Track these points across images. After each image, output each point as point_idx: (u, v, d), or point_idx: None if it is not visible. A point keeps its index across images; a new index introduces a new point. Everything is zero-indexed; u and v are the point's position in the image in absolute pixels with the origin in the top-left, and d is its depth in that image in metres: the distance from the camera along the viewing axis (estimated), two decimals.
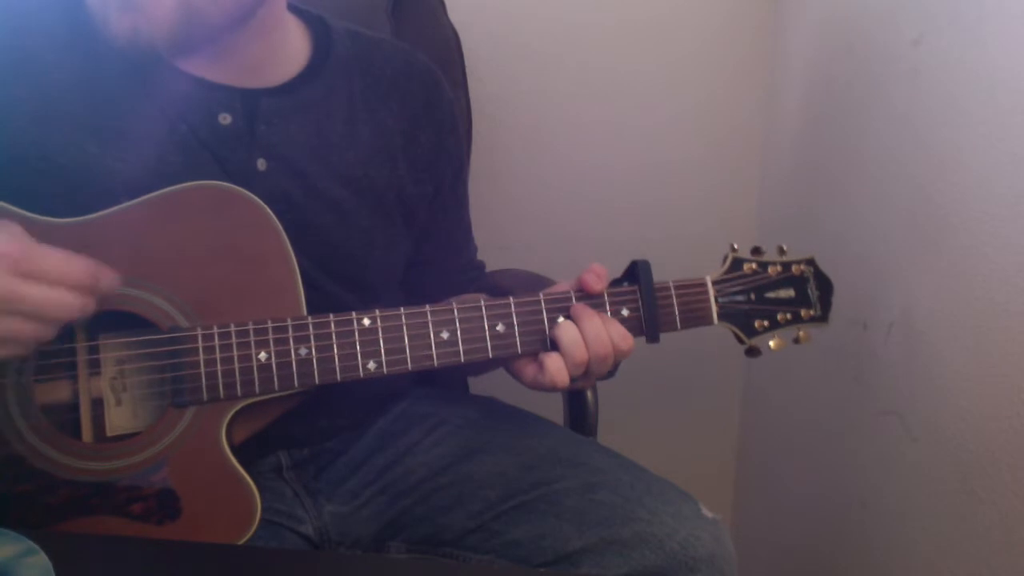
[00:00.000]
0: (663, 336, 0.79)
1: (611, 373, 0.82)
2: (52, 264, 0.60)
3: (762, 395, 1.44)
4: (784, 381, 1.34)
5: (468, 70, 1.14)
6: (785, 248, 0.85)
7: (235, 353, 0.69)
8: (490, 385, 1.01)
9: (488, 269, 1.05)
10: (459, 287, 0.94)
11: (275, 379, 0.69)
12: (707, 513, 0.79)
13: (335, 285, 0.81)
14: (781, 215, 1.33)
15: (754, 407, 1.47)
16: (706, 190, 1.38)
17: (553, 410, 1.00)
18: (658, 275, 0.80)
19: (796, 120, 1.26)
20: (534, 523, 0.79)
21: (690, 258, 0.87)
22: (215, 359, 0.68)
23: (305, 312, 0.71)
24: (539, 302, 0.76)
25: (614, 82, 1.32)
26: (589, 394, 1.01)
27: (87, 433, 0.68)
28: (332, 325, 0.71)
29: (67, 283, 0.61)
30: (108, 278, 0.63)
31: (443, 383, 1.02)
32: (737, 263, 0.83)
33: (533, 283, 0.81)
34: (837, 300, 0.87)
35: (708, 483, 1.53)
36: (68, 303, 0.61)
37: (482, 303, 0.75)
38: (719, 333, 0.86)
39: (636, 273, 0.78)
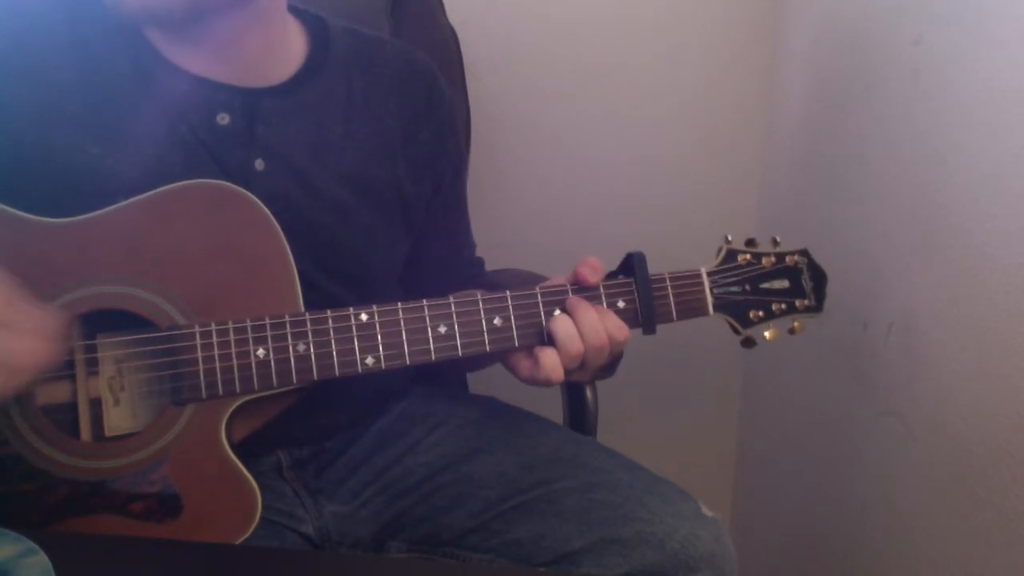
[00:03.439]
0: (663, 335, 0.79)
1: (611, 371, 0.82)
2: (28, 315, 0.61)
3: (762, 395, 1.44)
4: (784, 381, 1.34)
5: (467, 69, 1.14)
6: (779, 239, 0.85)
7: (233, 350, 0.68)
8: (490, 385, 1.01)
9: (488, 267, 1.05)
10: (459, 285, 0.94)
11: (273, 375, 0.69)
12: (707, 512, 0.79)
13: (335, 285, 0.81)
14: (781, 214, 1.33)
15: (754, 407, 1.47)
16: (707, 189, 1.38)
17: (553, 410, 1.00)
18: (661, 272, 0.80)
19: (797, 119, 1.26)
20: (534, 523, 0.79)
21: (693, 257, 0.87)
22: (213, 356, 0.68)
23: (303, 310, 0.71)
24: (535, 295, 0.76)
25: (614, 81, 1.32)
26: (589, 393, 1.01)
27: (86, 433, 0.68)
28: (329, 321, 0.71)
29: (41, 334, 0.61)
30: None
31: (443, 378, 1.02)
32: (731, 255, 0.83)
33: (533, 282, 0.81)
34: (837, 299, 0.87)
35: (708, 483, 1.53)
36: (38, 351, 0.61)
37: (479, 297, 0.75)
38: (718, 333, 0.86)
39: (632, 265, 0.79)
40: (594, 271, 0.77)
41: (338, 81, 0.83)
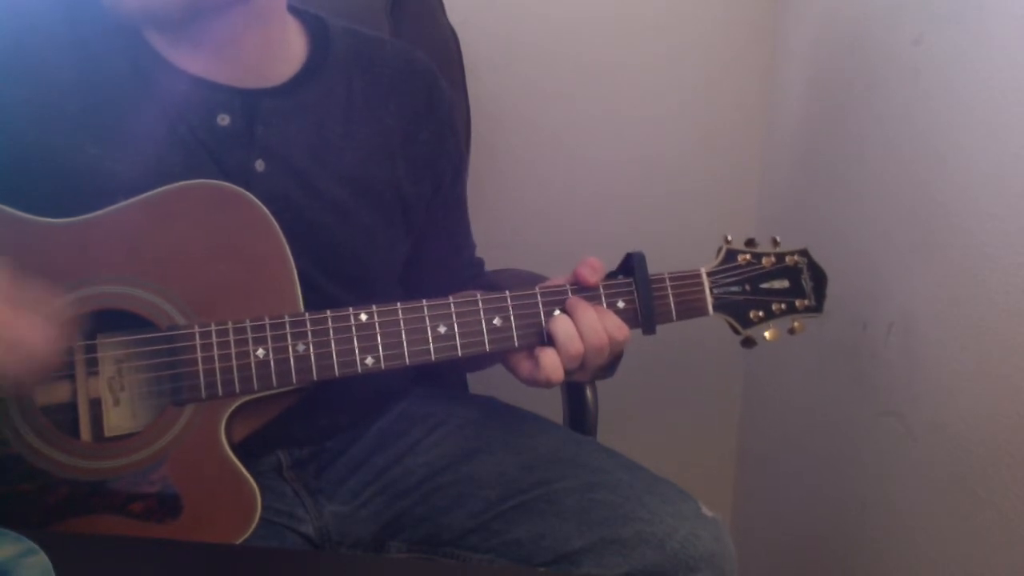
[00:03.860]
0: (662, 336, 0.79)
1: (611, 372, 0.82)
2: (40, 300, 0.61)
3: (762, 395, 1.44)
4: (784, 381, 1.34)
5: (467, 69, 1.14)
6: (779, 239, 0.85)
7: (233, 350, 0.68)
8: (490, 385, 1.01)
9: (487, 267, 1.05)
10: (459, 285, 0.94)
11: (273, 376, 0.69)
12: (707, 512, 0.79)
13: (335, 286, 0.81)
14: (781, 214, 1.33)
15: (754, 407, 1.47)
16: (707, 189, 1.38)
17: (553, 410, 1.00)
18: (661, 272, 0.80)
19: (797, 119, 1.26)
20: (534, 523, 0.79)
21: (693, 257, 0.87)
22: (213, 357, 0.68)
23: (303, 310, 0.71)
24: (535, 295, 0.76)
25: (614, 81, 1.32)
26: (589, 393, 1.01)
27: (86, 433, 0.68)
28: (329, 321, 0.71)
29: (52, 321, 0.61)
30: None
31: (443, 379, 1.02)
32: (731, 255, 0.83)
33: (532, 282, 0.81)
34: (837, 300, 0.87)
35: (708, 483, 1.53)
36: (50, 337, 0.61)
37: (479, 297, 0.75)
38: (718, 333, 0.86)
39: (631, 265, 0.79)
40: (594, 271, 0.77)
41: (338, 81, 0.83)
